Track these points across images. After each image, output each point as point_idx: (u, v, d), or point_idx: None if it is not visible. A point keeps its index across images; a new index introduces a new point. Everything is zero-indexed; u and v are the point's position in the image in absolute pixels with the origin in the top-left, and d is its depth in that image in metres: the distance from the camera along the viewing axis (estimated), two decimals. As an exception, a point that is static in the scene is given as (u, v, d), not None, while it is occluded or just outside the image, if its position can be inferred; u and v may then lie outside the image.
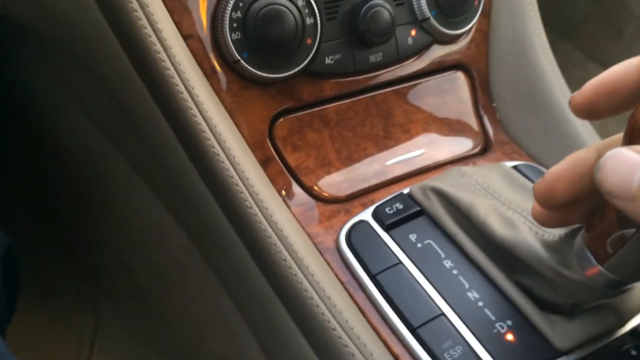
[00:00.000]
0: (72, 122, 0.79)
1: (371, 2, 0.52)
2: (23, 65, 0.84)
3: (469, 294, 0.43)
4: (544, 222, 0.38)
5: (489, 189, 0.48)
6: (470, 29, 0.60)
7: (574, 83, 0.60)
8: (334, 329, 0.43)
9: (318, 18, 0.51)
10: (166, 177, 0.60)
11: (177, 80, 0.46)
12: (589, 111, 0.34)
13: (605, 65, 0.32)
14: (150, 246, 0.77)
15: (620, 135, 0.33)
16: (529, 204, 0.44)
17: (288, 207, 0.50)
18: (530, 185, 0.49)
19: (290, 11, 0.49)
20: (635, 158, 0.27)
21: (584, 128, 0.58)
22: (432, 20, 0.56)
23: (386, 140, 0.56)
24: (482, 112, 0.62)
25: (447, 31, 0.57)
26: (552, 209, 0.36)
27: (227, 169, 0.46)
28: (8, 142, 0.97)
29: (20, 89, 0.89)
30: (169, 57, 0.46)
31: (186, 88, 0.46)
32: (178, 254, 0.69)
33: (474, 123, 0.61)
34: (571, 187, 0.34)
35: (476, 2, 0.59)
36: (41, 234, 1.00)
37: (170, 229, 0.66)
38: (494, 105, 0.62)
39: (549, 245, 0.40)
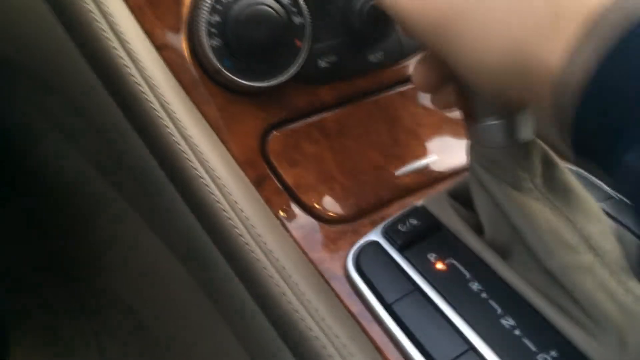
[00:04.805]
0: (65, 159, 0.74)
1: None
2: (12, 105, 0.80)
3: (503, 321, 0.37)
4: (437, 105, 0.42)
5: None
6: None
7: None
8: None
9: (307, 17, 0.45)
10: (160, 213, 0.54)
11: (149, 96, 0.41)
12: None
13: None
14: (154, 288, 0.71)
15: None
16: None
17: (288, 230, 0.44)
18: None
19: (275, 10, 0.43)
20: None
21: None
22: (437, 11, 0.50)
23: (394, 148, 0.50)
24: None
25: (454, 22, 0.51)
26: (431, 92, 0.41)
27: (213, 193, 0.41)
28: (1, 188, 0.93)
29: (8, 128, 0.84)
30: (138, 70, 0.40)
31: (160, 104, 0.41)
32: (184, 294, 0.63)
33: (493, 122, 0.54)
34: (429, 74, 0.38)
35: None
36: (45, 279, 0.95)
37: (174, 268, 0.60)
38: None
39: None
